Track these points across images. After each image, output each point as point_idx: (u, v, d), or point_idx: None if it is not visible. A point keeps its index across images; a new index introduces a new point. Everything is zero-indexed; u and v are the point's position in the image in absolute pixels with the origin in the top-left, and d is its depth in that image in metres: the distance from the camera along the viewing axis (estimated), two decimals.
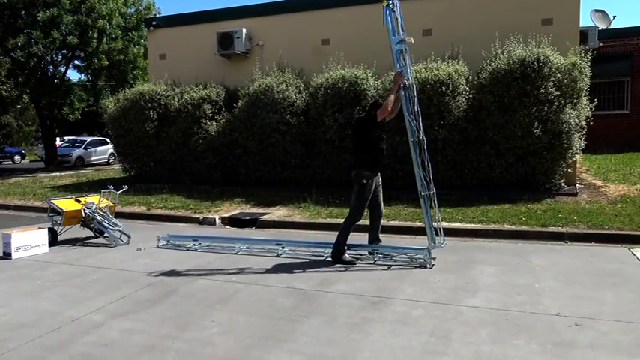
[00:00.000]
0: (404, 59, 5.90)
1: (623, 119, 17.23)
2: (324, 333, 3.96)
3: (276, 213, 9.22)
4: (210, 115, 11.99)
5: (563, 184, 9.52)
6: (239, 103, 11.63)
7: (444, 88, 9.37)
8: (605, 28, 16.77)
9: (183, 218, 9.50)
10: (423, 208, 5.85)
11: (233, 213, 9.44)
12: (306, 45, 11.96)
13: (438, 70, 9.56)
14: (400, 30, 5.88)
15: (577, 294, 4.65)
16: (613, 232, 6.76)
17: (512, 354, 3.48)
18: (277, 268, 5.87)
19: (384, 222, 8.05)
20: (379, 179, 6.15)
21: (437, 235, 5.90)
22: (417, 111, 5.81)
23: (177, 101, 12.40)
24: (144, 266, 6.16)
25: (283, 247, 6.61)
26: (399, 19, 5.83)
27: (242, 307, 4.63)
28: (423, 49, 10.38)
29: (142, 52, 23.44)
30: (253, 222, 8.86)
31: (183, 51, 13.42)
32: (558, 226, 7.15)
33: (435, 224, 5.90)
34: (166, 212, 9.93)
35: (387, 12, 5.85)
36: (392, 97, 5.80)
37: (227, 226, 9.01)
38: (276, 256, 6.43)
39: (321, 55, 11.44)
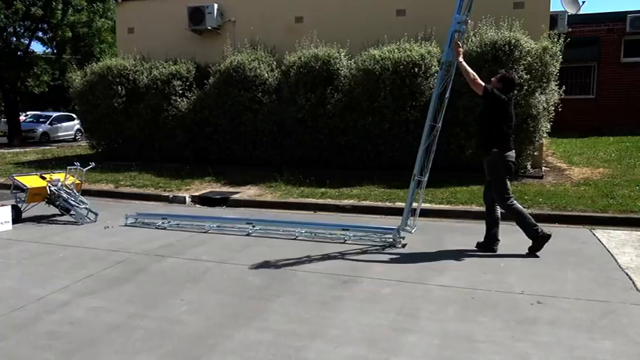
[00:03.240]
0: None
1: (589, 104, 17.64)
2: (294, 311, 3.99)
3: (248, 192, 9.18)
4: (180, 91, 11.76)
5: (529, 167, 9.73)
6: (210, 80, 11.44)
7: (416, 69, 9.41)
8: (574, 13, 17.01)
9: (153, 196, 9.37)
10: (409, 190, 5.87)
11: (204, 191, 9.36)
12: (279, 22, 11.79)
13: (410, 51, 9.57)
14: (467, 9, 5.61)
15: (540, 273, 4.79)
16: (576, 213, 6.97)
17: (477, 331, 3.58)
18: (248, 247, 5.86)
19: (355, 202, 8.15)
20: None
21: (412, 215, 5.96)
22: (447, 97, 5.70)
23: (147, 77, 12.12)
24: (111, 244, 6.06)
25: (254, 226, 6.59)
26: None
27: (212, 285, 4.62)
28: (396, 30, 10.39)
29: (107, 25, 22.72)
30: (224, 201, 8.80)
31: (153, 25, 13.05)
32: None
33: (415, 204, 5.96)
34: (135, 190, 9.76)
35: None
36: (469, 72, 5.46)
37: (197, 205, 8.93)
38: (246, 235, 6.42)
39: (294, 33, 11.31)
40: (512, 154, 5.45)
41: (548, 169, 10.25)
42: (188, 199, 9.08)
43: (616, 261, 5.11)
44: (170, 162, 12.00)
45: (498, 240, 5.55)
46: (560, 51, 9.28)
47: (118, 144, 12.93)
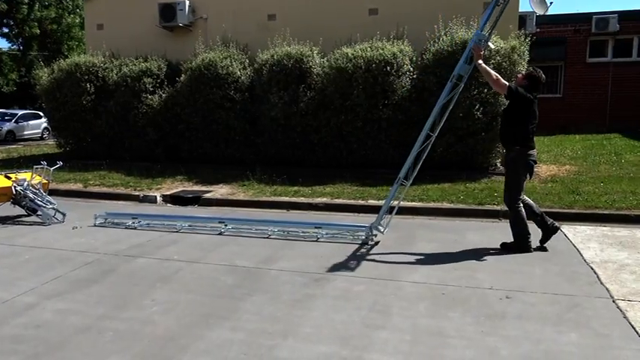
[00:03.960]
0: (471, 58, 5.50)
1: (556, 103, 18.05)
2: (267, 310, 3.98)
3: (220, 191, 9.11)
4: (151, 89, 11.59)
5: (499, 164, 9.90)
6: (182, 78, 11.30)
7: (388, 67, 9.47)
8: (542, 14, 17.39)
9: (123, 196, 9.21)
10: (391, 191, 5.89)
11: (175, 190, 9.25)
12: (251, 20, 11.73)
13: (383, 49, 9.63)
14: (489, 29, 5.67)
15: (509, 268, 4.89)
16: (543, 210, 7.03)
17: (448, 326, 3.63)
18: (220, 247, 5.82)
19: (327, 200, 8.16)
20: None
21: (389, 213, 5.98)
22: (449, 108, 5.67)
23: (116, 74, 11.91)
24: (80, 245, 5.94)
25: (226, 226, 6.55)
26: (497, 20, 5.59)
27: (183, 285, 4.58)
28: (369, 28, 10.44)
29: (77, 21, 22.28)
30: (196, 200, 8.71)
31: (123, 21, 12.83)
32: (494, 204, 7.45)
33: (395, 202, 5.97)
34: (104, 190, 9.59)
35: (493, 5, 5.53)
36: (491, 73, 5.41)
37: (169, 204, 8.82)
38: (218, 235, 6.37)
39: (267, 31, 11.26)
40: (534, 152, 5.49)
41: None
42: (159, 199, 8.96)
43: (581, 255, 5.24)
44: (140, 161, 11.81)
45: (548, 225, 5.57)
46: (527, 50, 9.47)
47: (86, 142, 12.68)
